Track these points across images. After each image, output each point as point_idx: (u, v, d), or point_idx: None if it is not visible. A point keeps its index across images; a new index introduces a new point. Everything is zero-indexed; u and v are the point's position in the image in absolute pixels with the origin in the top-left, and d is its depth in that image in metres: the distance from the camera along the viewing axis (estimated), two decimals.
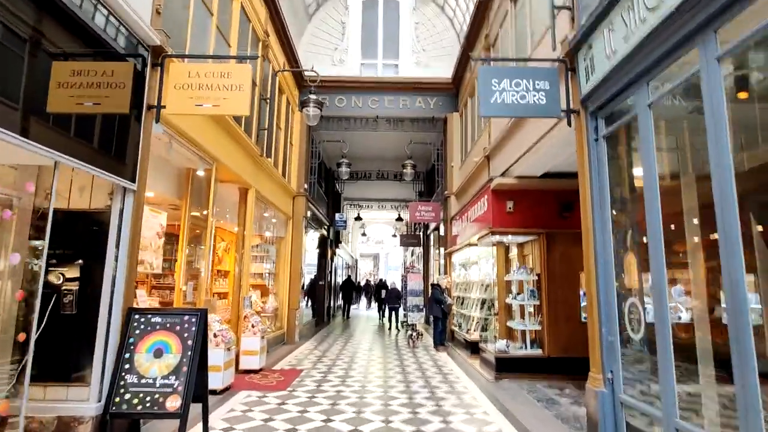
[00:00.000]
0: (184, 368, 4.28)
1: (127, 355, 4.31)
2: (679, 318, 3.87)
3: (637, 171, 4.26)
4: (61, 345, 4.31)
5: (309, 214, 13.16)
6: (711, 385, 3.62)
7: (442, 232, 13.96)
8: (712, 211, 2.97)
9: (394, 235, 29.08)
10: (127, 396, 4.15)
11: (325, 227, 17.30)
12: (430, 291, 12.65)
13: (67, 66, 4.60)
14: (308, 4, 13.40)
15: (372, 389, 6.77)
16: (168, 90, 4.94)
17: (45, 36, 3.77)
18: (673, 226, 3.86)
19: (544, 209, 7.84)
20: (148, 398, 4.15)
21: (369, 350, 10.74)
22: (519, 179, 7.56)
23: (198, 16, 6.36)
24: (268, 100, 9.67)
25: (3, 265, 3.96)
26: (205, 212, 7.10)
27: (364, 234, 30.68)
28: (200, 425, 4.57)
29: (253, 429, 4.92)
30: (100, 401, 4.20)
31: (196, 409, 4.58)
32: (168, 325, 4.46)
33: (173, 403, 4.14)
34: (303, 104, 9.04)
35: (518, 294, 8.00)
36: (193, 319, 4.50)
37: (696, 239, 3.89)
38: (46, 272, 4.17)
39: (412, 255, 26.83)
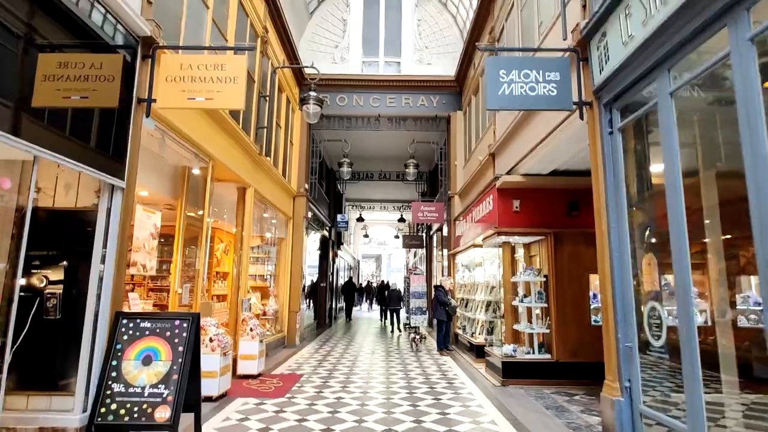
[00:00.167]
0: (175, 376, 4.03)
1: (114, 363, 4.07)
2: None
3: (656, 165, 4.01)
4: (44, 352, 4.08)
5: (310, 214, 12.92)
6: (735, 393, 3.37)
7: (445, 233, 13.71)
8: (733, 208, 2.71)
9: (397, 237, 28.80)
10: (114, 406, 3.91)
11: (327, 228, 17.06)
12: (433, 293, 12.39)
13: (52, 58, 4.39)
14: (308, 1, 13.19)
15: (374, 396, 6.51)
16: (159, 83, 4.71)
17: (28, 25, 3.53)
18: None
19: (551, 208, 7.58)
20: (135, 409, 3.91)
21: (371, 353, 10.49)
22: (526, 177, 7.30)
23: (192, 8, 6.12)
24: (267, 98, 9.43)
25: None
26: (200, 212, 6.86)
27: (366, 235, 30.44)
28: None
29: None
30: (84, 411, 3.96)
31: (188, 419, 4.34)
32: (158, 331, 4.21)
33: (162, 413, 3.90)
34: (303, 101, 8.81)
35: (525, 296, 7.73)
36: (185, 324, 4.26)
37: (716, 238, 3.63)
38: (28, 274, 3.94)
39: (414, 256, 26.58)
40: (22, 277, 3.91)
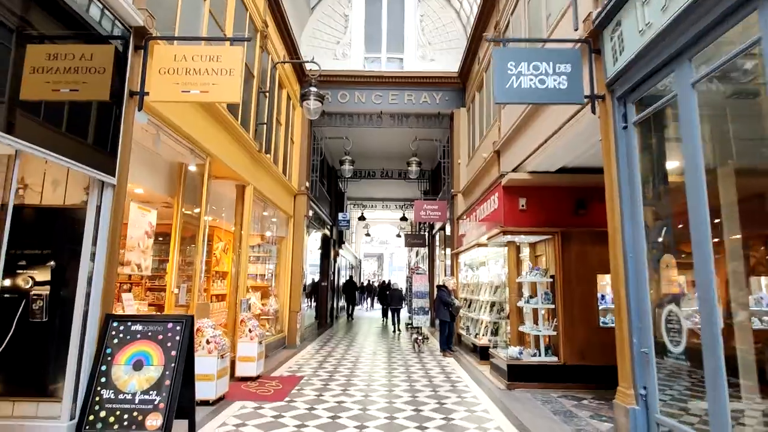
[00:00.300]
0: (167, 382, 3.84)
1: (103, 368, 3.88)
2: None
3: (674, 161, 3.80)
4: (30, 356, 3.89)
5: (311, 213, 12.72)
6: (754, 399, 3.17)
7: (448, 232, 13.50)
8: (744, 206, 2.51)
9: (399, 235, 28.61)
10: (103, 414, 3.72)
11: (328, 227, 16.86)
12: (435, 293, 12.19)
13: (41, 49, 4.21)
14: None
15: (376, 399, 6.32)
16: (152, 75, 4.52)
17: (15, 15, 3.34)
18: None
19: (559, 206, 7.37)
20: (125, 416, 3.72)
21: (373, 354, 10.29)
22: (532, 175, 7.09)
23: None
24: (267, 93, 9.23)
25: None
26: (197, 210, 6.66)
27: (368, 234, 30.25)
28: None
29: None
30: (72, 419, 3.77)
31: (182, 426, 4.16)
32: (150, 334, 4.02)
33: (154, 421, 3.71)
34: (303, 97, 8.61)
35: (531, 297, 7.52)
36: (178, 327, 4.07)
37: (733, 237, 3.42)
38: (13, 275, 3.75)
39: (416, 255, 26.38)
40: (6, 278, 3.73)
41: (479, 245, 9.67)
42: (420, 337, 11.18)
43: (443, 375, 8.03)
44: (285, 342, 11.22)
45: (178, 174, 6.65)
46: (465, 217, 11.32)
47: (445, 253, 15.05)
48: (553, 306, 7.25)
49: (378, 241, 38.81)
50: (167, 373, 3.87)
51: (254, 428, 4.99)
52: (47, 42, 4.16)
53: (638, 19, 3.72)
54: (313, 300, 16.71)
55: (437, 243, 17.32)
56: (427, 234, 19.42)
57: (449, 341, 10.27)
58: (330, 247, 17.75)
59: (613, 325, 7.20)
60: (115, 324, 4.04)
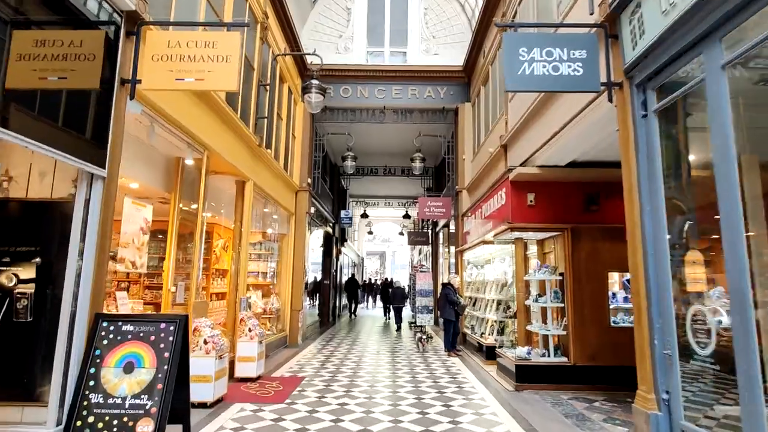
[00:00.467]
0: (159, 385, 3.63)
1: (92, 370, 3.67)
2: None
3: (699, 151, 3.56)
4: (14, 358, 3.68)
5: (313, 210, 12.50)
6: None
7: (452, 229, 13.27)
8: None
9: (401, 233, 28.36)
10: (91, 419, 3.51)
11: (330, 224, 16.65)
12: (439, 291, 11.97)
13: (27, 35, 4.00)
14: None
15: (379, 401, 6.10)
16: (144, 62, 4.29)
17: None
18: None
19: (568, 202, 7.13)
20: (115, 422, 3.51)
21: (376, 354, 10.08)
22: (541, 169, 6.84)
23: None
24: (267, 87, 9.00)
25: None
26: (194, 206, 6.44)
27: (370, 232, 30.03)
28: None
29: None
30: (59, 425, 3.56)
31: (176, 431, 3.94)
32: (141, 335, 3.81)
33: (145, 427, 3.49)
34: (305, 90, 8.39)
35: (540, 295, 7.28)
36: (171, 327, 3.85)
37: (761, 231, 3.18)
38: None
39: (419, 253, 26.16)
40: None
41: (485, 242, 9.42)
42: (424, 337, 10.95)
43: (449, 375, 7.80)
44: (286, 341, 11.01)
45: (175, 168, 6.44)
46: (470, 213, 11.08)
47: (448, 251, 14.82)
48: (562, 305, 7.02)
49: (380, 240, 38.60)
50: (160, 375, 3.66)
51: None
52: (34, 28, 3.96)
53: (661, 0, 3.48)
54: (315, 298, 16.52)
55: (441, 241, 17.08)
56: (430, 232, 19.19)
57: (454, 341, 10.04)
58: (332, 245, 17.53)
59: (625, 324, 7.05)
60: (104, 324, 3.82)
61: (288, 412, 5.55)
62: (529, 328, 7.50)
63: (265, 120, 8.92)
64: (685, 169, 3.76)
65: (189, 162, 6.33)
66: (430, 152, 15.17)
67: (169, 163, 6.44)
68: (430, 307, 12.39)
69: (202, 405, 5.59)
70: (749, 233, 2.93)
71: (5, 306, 3.62)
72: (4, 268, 3.65)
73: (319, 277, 16.94)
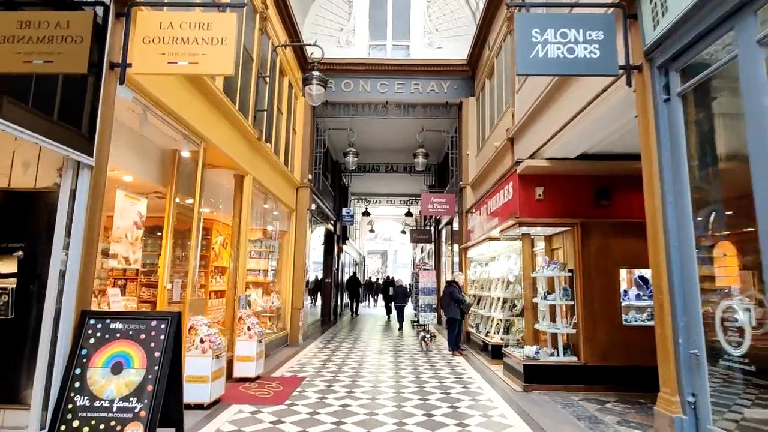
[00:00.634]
0: (149, 387, 3.39)
1: (77, 371, 3.44)
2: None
3: (729, 134, 3.32)
4: None
5: (314, 207, 12.26)
6: None
7: (456, 227, 13.03)
8: None
9: (403, 232, 28.13)
10: (76, 423, 3.28)
11: (332, 222, 16.41)
12: (442, 289, 11.73)
13: (11, 17, 3.78)
14: None
15: (383, 402, 5.87)
16: (135, 45, 4.06)
17: None
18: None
19: (578, 196, 6.88)
20: (102, 426, 3.28)
21: (378, 353, 9.84)
22: (550, 162, 6.60)
23: None
24: (267, 78, 8.77)
25: None
26: (189, 201, 6.21)
27: (372, 230, 29.79)
28: None
29: None
30: (42, 429, 3.33)
31: None
32: (131, 333, 3.58)
33: (134, 431, 3.26)
34: (305, 82, 8.16)
35: (548, 293, 7.04)
36: (163, 325, 3.62)
37: None
38: None
39: (422, 252, 25.93)
40: None
41: (490, 239, 9.19)
42: (427, 336, 10.71)
43: (454, 375, 7.57)
44: (287, 340, 10.78)
45: (171, 161, 6.20)
46: (474, 210, 10.84)
47: (451, 249, 14.59)
48: (572, 302, 6.78)
49: (382, 238, 38.36)
50: (150, 377, 3.43)
51: None
52: (18, 9, 3.75)
53: None
54: (316, 297, 16.31)
55: (443, 239, 16.85)
56: (433, 229, 18.95)
57: (458, 340, 9.80)
58: (333, 242, 17.30)
59: (637, 323, 6.80)
60: (92, 322, 3.59)
61: (288, 413, 5.33)
62: (537, 326, 7.26)
63: (265, 113, 8.69)
64: (711, 156, 3.51)
65: (185, 154, 6.09)
66: (433, 148, 14.93)
67: (164, 155, 6.21)
68: (434, 306, 12.16)
69: (199, 406, 5.37)
70: None
71: None
72: None
73: (320, 276, 16.72)
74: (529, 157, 6.86)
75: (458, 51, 12.19)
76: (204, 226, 9.55)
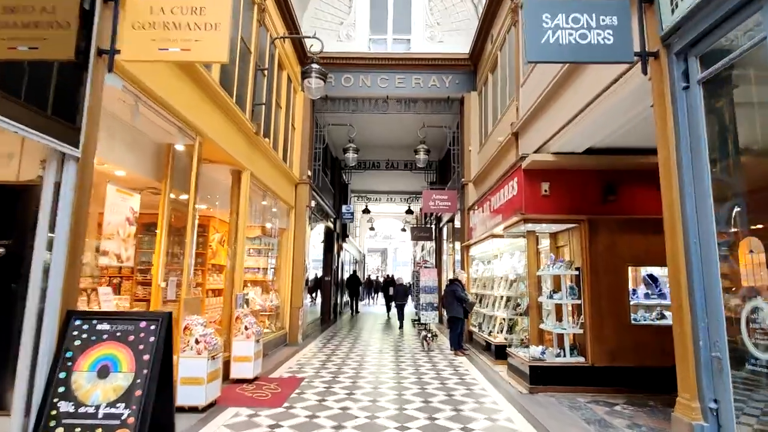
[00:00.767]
0: (138, 392, 3.20)
1: (62, 375, 3.24)
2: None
3: (754, 124, 3.12)
4: None
5: (313, 203, 12.06)
6: None
7: (457, 224, 12.83)
8: None
9: (404, 230, 27.93)
10: (60, 430, 3.08)
11: (331, 220, 16.21)
12: (443, 288, 11.54)
13: None
14: None
15: (384, 405, 5.67)
16: (124, 31, 3.86)
17: None
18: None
19: (585, 192, 6.68)
20: None
21: (379, 353, 9.65)
22: (557, 156, 6.41)
23: None
24: (265, 72, 8.56)
25: None
26: (184, 197, 6.01)
27: (372, 228, 29.59)
28: None
29: None
30: None
31: None
32: (118, 334, 3.38)
33: None
34: (304, 74, 7.95)
35: (554, 291, 6.84)
36: (152, 326, 3.42)
37: None
38: None
39: (422, 250, 25.74)
40: None
41: (494, 236, 8.99)
42: (429, 335, 10.53)
43: (457, 377, 7.37)
44: (286, 339, 10.59)
45: (165, 155, 6.01)
46: (477, 207, 10.64)
47: (453, 247, 14.39)
48: (579, 301, 6.58)
49: (382, 236, 38.16)
50: (138, 381, 3.23)
51: None
52: None
53: None
54: (316, 295, 16.13)
55: (445, 236, 16.65)
56: (433, 227, 18.76)
57: (460, 339, 9.61)
58: (333, 240, 17.11)
59: (646, 322, 6.60)
60: (77, 322, 3.39)
61: (285, 417, 5.13)
62: (542, 326, 7.07)
63: (263, 107, 8.48)
64: (733, 146, 3.31)
65: (180, 148, 5.89)
66: (434, 145, 14.73)
67: (159, 149, 6.01)
68: (435, 305, 11.98)
69: (194, 409, 5.17)
70: None
71: None
72: None
73: (320, 274, 16.53)
74: (535, 152, 6.66)
75: (460, 45, 11.98)
76: (201, 224, 9.36)
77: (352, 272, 23.23)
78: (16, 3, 3.52)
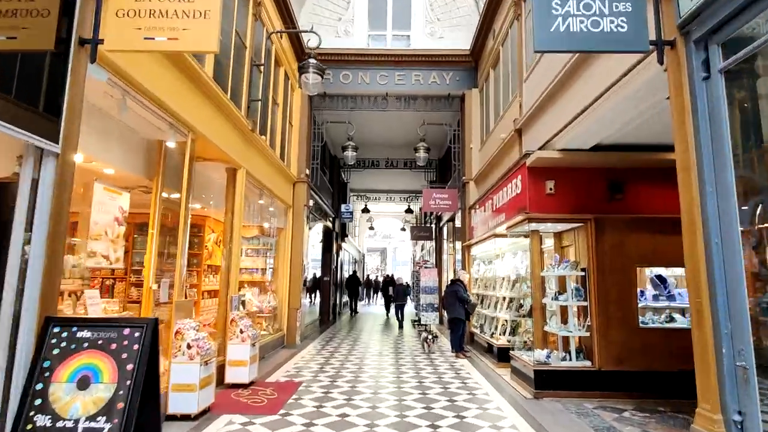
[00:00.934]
0: (120, 404, 2.98)
1: (39, 386, 3.02)
2: None
3: None
4: None
5: (311, 203, 11.84)
6: None
7: (458, 223, 12.61)
8: None
9: (403, 229, 27.71)
10: None
11: (330, 219, 15.99)
12: (444, 288, 11.32)
13: None
14: None
15: (384, 411, 5.46)
16: (107, 18, 3.63)
17: None
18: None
19: (592, 190, 6.48)
20: None
21: (379, 355, 9.44)
22: (563, 153, 6.18)
23: None
24: (261, 68, 8.33)
25: None
26: (176, 195, 5.78)
27: (371, 228, 29.37)
28: None
29: None
30: None
31: None
32: (100, 342, 3.16)
33: None
34: (301, 70, 7.73)
35: (559, 293, 6.63)
36: (137, 333, 3.20)
37: None
38: None
39: (422, 249, 25.52)
40: None
41: (496, 236, 8.78)
42: (429, 336, 10.31)
43: (459, 380, 7.16)
44: (284, 341, 10.37)
45: (157, 153, 5.77)
46: (478, 206, 10.42)
47: (453, 247, 14.17)
48: (585, 303, 6.37)
49: (381, 236, 37.94)
50: (121, 392, 3.01)
51: None
52: None
53: None
54: (315, 296, 15.91)
55: (445, 236, 16.44)
56: (434, 226, 18.54)
57: (462, 341, 9.40)
58: (332, 240, 16.88)
59: (655, 325, 6.38)
60: (56, 330, 3.17)
61: (281, 425, 4.92)
62: (547, 328, 6.85)
63: (259, 103, 8.26)
64: (757, 139, 3.10)
65: (171, 145, 5.66)
66: (435, 143, 14.51)
67: (150, 146, 5.79)
68: (435, 305, 11.77)
69: (185, 417, 4.96)
70: None
71: None
72: None
73: (318, 274, 16.31)
74: (539, 149, 6.44)
75: (461, 41, 11.75)
76: (197, 223, 9.14)
77: (352, 272, 23.01)
78: None
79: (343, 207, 17.39)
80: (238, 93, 7.32)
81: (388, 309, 18.71)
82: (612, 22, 3.53)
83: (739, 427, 2.90)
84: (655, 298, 6.47)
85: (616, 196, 6.44)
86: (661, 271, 6.61)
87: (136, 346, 3.14)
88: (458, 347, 9.30)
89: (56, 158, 3.34)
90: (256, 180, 8.28)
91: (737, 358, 2.92)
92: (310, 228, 12.30)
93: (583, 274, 6.44)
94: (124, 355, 3.11)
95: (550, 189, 6.48)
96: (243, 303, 8.28)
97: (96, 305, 4.78)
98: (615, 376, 6.08)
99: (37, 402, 2.97)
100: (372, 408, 5.60)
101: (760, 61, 3.07)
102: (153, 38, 3.58)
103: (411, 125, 13.11)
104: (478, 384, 6.94)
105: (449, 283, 10.01)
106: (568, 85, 5.63)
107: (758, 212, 3.02)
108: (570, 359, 6.36)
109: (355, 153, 12.82)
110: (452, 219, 14.09)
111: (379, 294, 24.97)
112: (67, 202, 3.46)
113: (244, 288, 9.63)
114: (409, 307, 17.83)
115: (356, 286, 20.35)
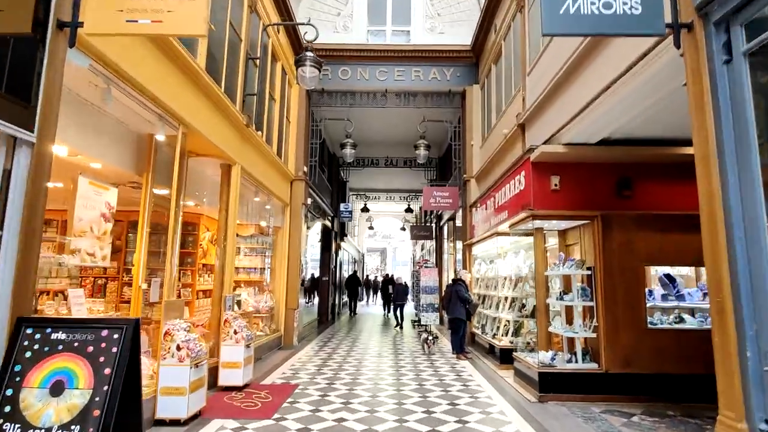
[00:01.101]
0: (96, 411, 2.76)
1: (9, 392, 2.80)
2: None
3: None
4: None
5: (309, 201, 11.61)
6: None
7: (458, 222, 12.38)
8: None
9: (403, 229, 27.48)
10: None
11: (329, 218, 15.76)
12: (444, 288, 11.09)
13: None
14: None
15: (383, 416, 5.23)
16: (88, 1, 3.40)
17: None
18: None
19: (598, 186, 6.25)
20: None
21: (378, 356, 9.22)
22: (568, 148, 5.96)
23: None
24: (257, 61, 8.11)
25: None
26: (167, 191, 5.56)
27: (371, 227, 29.13)
28: None
29: None
30: None
31: None
32: (76, 345, 2.94)
33: None
34: (298, 63, 7.50)
35: (564, 292, 6.41)
36: (116, 335, 2.98)
37: None
38: None
39: (422, 249, 25.30)
40: None
41: (498, 234, 8.56)
42: (430, 337, 10.08)
43: (460, 383, 6.94)
44: (281, 342, 10.15)
45: (146, 147, 5.55)
46: (479, 204, 10.20)
47: (454, 246, 13.95)
48: (591, 303, 6.15)
49: (381, 236, 37.71)
50: (97, 399, 2.79)
51: None
52: None
53: None
54: (313, 296, 15.68)
55: (445, 235, 16.21)
56: (434, 226, 18.32)
57: (463, 342, 9.17)
58: (331, 239, 16.66)
59: (664, 326, 6.15)
60: (28, 331, 2.95)
61: (275, 430, 4.69)
62: (551, 329, 6.63)
63: (255, 98, 8.04)
64: None
65: (162, 139, 5.44)
66: (435, 141, 14.29)
67: (139, 140, 5.56)
68: (435, 305, 11.55)
69: (175, 422, 4.75)
70: None
71: None
72: None
73: (317, 274, 16.08)
74: (544, 143, 6.22)
75: (461, 37, 11.53)
76: (191, 221, 8.92)
77: (352, 272, 22.78)
78: None
79: (342, 206, 17.16)
80: (232, 87, 7.10)
81: (387, 309, 18.51)
82: (625, 3, 3.31)
83: None
84: (664, 298, 6.26)
85: (624, 193, 6.22)
86: (670, 269, 6.40)
87: (114, 349, 2.92)
88: (459, 348, 9.07)
89: (31, 148, 3.12)
90: (252, 177, 8.06)
91: (763, 362, 2.70)
92: (308, 227, 12.09)
93: (589, 273, 6.22)
94: (102, 359, 2.89)
95: (555, 185, 6.26)
96: (239, 303, 8.07)
97: (80, 305, 4.55)
98: (623, 379, 5.86)
99: (7, 409, 2.75)
100: (370, 412, 5.37)
101: None
102: (136, 21, 3.35)
103: (411, 122, 12.89)
104: (480, 387, 6.71)
105: (450, 282, 9.79)
106: (575, 75, 5.40)
107: None
108: (576, 361, 6.14)
109: (353, 150, 12.59)
110: (453, 218, 13.87)
111: (379, 294, 24.74)
112: (43, 194, 3.24)
113: (240, 288, 9.42)
114: (409, 307, 17.61)
115: (356, 287, 20.14)
